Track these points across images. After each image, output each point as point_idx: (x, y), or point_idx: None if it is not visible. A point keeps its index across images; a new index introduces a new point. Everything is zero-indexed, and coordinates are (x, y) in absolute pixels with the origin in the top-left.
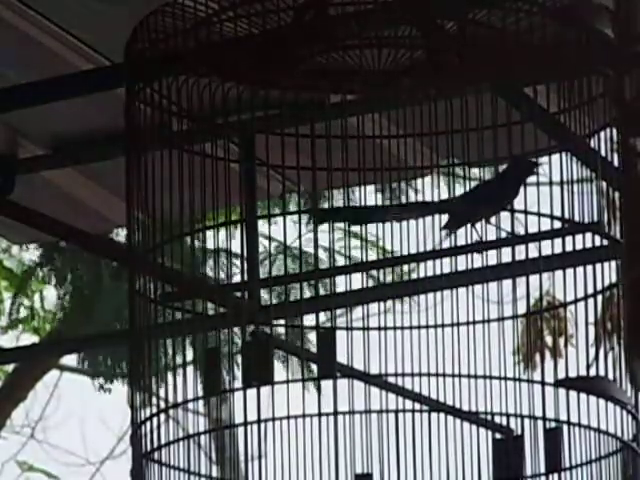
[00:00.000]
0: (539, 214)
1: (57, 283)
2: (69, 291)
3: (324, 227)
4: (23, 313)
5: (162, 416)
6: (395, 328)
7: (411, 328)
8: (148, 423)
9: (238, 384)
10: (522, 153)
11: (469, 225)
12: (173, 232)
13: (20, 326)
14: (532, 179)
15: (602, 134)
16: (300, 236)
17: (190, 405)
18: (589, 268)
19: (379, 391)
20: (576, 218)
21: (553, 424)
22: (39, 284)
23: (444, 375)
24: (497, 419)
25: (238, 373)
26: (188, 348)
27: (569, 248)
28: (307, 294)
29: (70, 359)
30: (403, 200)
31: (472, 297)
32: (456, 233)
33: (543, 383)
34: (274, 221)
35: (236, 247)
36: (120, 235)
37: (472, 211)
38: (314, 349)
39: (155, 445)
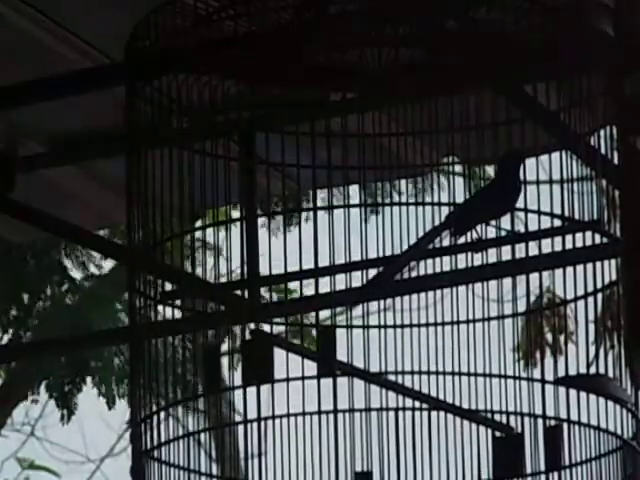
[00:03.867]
0: (539, 212)
1: None
2: None
3: (324, 226)
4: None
5: (162, 414)
6: (395, 326)
7: (411, 326)
8: (148, 421)
9: (238, 382)
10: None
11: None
12: (173, 230)
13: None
14: (532, 177)
15: (602, 132)
16: (300, 234)
17: (190, 403)
18: (589, 266)
19: (379, 389)
20: (576, 216)
21: (553, 422)
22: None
23: (444, 373)
24: (497, 417)
25: (238, 371)
26: (188, 346)
27: (569, 246)
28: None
29: None
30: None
31: (472, 295)
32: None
33: (543, 381)
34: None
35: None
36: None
37: (478, 217)
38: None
39: (155, 443)
